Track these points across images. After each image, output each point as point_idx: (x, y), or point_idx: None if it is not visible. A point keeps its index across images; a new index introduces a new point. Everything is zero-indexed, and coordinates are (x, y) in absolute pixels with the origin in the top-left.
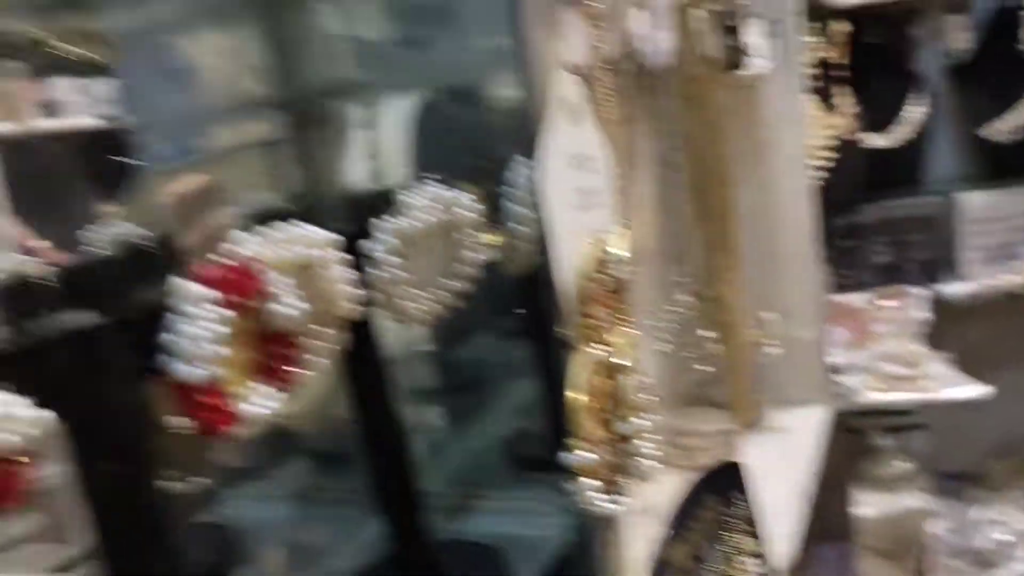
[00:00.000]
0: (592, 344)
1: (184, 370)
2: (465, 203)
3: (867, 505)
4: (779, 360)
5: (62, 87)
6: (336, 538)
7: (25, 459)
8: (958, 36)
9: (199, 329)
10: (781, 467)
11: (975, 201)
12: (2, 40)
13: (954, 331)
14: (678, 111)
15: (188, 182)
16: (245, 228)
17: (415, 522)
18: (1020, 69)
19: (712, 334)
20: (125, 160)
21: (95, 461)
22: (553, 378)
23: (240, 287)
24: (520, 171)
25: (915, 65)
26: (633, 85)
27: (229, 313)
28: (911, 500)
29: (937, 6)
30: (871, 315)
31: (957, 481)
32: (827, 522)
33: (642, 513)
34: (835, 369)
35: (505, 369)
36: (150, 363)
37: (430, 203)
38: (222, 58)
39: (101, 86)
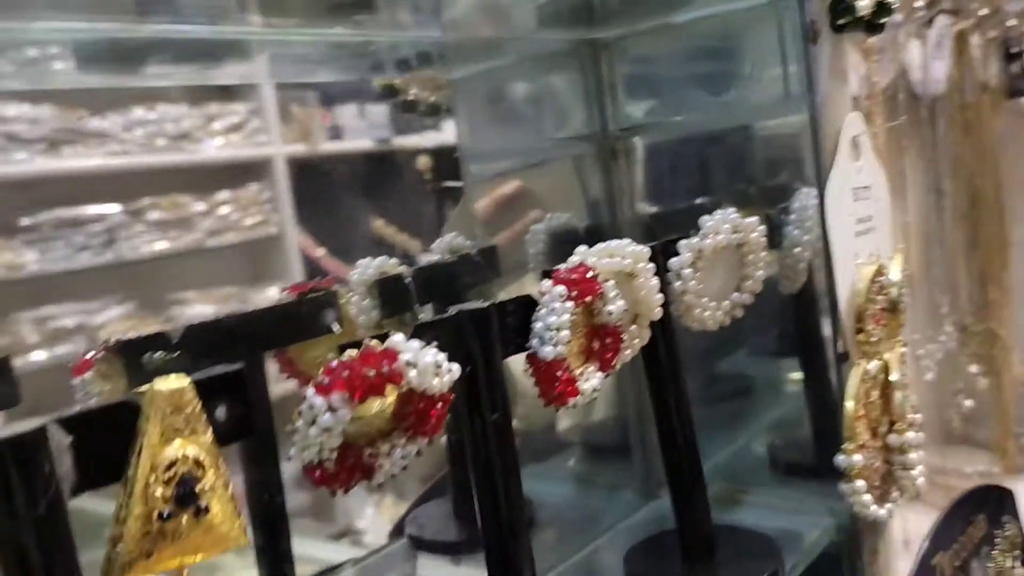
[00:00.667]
0: (867, 359)
1: (545, 349)
2: (754, 226)
3: None
4: None
5: (346, 112)
6: (611, 516)
7: (444, 399)
8: None
9: (555, 318)
10: None
11: None
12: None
13: None
14: (951, 140)
15: (502, 188)
16: (549, 239)
17: (696, 504)
18: None
19: (978, 368)
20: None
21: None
22: (821, 390)
23: (584, 287)
24: (802, 199)
25: None
26: (907, 115)
27: (574, 307)
28: None
29: None
30: None
31: None
32: None
33: (905, 524)
34: None
35: (775, 382)
36: (521, 342)
37: (723, 225)
38: (545, 98)
39: (378, 111)
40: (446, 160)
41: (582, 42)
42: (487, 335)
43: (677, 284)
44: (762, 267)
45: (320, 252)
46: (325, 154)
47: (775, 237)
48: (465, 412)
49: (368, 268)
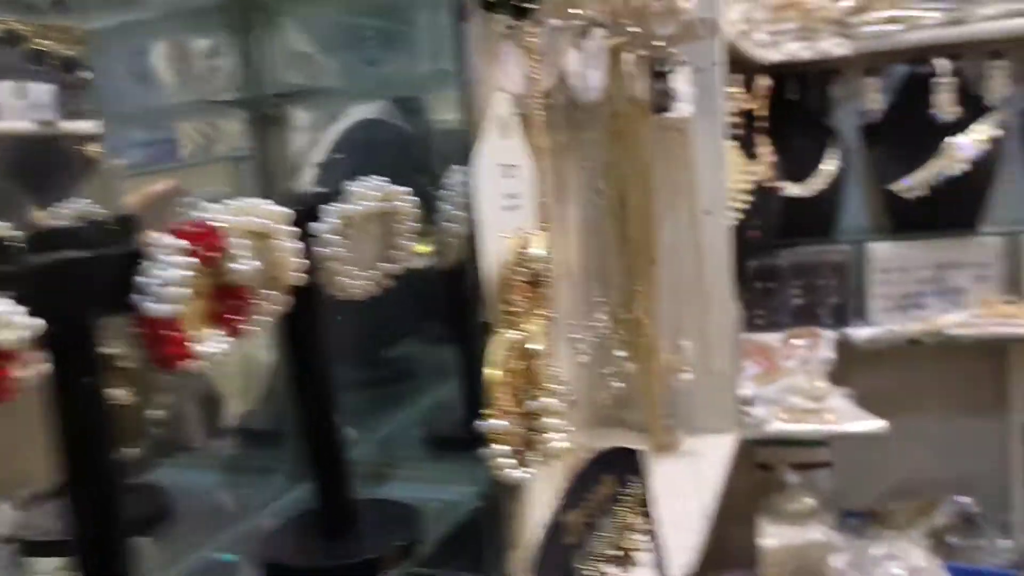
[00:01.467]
0: (510, 328)
1: (152, 307)
2: (403, 195)
3: (772, 536)
4: (693, 388)
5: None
6: (259, 501)
7: (17, 358)
8: (873, 97)
9: (168, 272)
10: (690, 489)
11: (883, 251)
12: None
13: (859, 373)
14: (605, 144)
15: (155, 185)
16: None
17: (338, 484)
18: (928, 131)
19: (626, 354)
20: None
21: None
22: (472, 363)
23: (205, 242)
24: (455, 177)
25: (831, 122)
26: (564, 117)
27: (194, 262)
28: (814, 534)
29: (854, 68)
30: (782, 352)
31: (859, 518)
32: (733, 550)
33: (546, 487)
34: (745, 400)
35: (443, 364)
36: (126, 299)
37: (372, 192)
38: (191, 62)
39: (43, 89)
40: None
41: (234, 1)
42: (80, 288)
43: (322, 250)
44: (412, 237)
45: None
46: None
47: (431, 212)
48: (55, 376)
49: None
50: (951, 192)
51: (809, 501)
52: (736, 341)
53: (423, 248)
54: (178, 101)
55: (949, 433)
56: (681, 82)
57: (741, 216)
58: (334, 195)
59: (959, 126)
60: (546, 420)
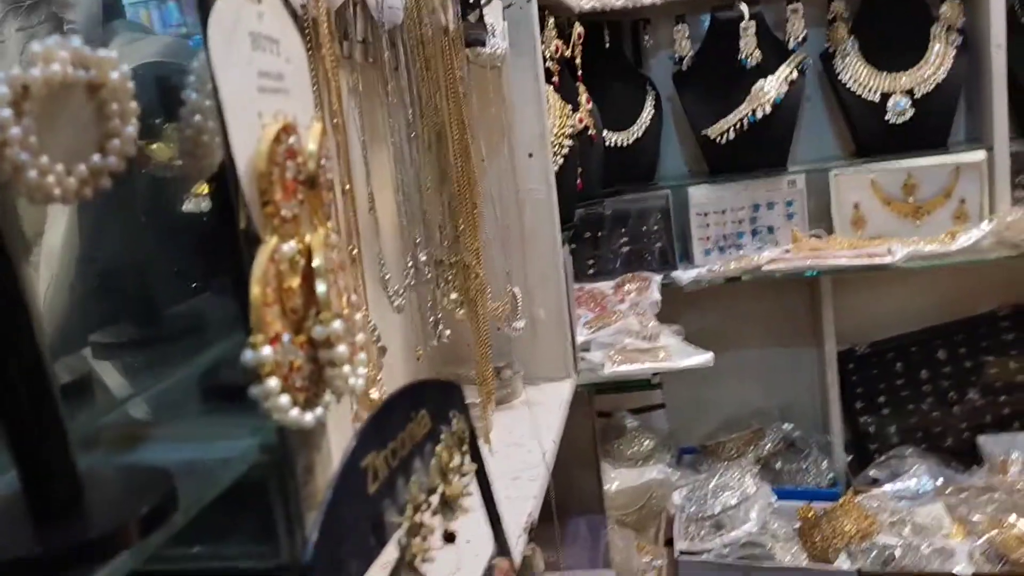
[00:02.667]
0: (280, 238)
1: None
2: (112, 64)
3: (615, 480)
4: (528, 335)
5: None
6: None
7: None
8: (682, 44)
9: None
10: (530, 439)
11: (700, 195)
12: None
13: (684, 313)
14: (417, 77)
15: None
16: None
17: (50, 456)
18: (737, 75)
19: (456, 298)
20: None
21: None
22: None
23: None
24: (196, 51)
25: (645, 70)
26: (365, 38)
27: None
28: (654, 473)
29: (664, 16)
30: (614, 298)
31: (693, 454)
32: (580, 498)
33: (346, 430)
34: (581, 347)
35: (214, 292)
36: None
37: (60, 52)
38: None
39: None
40: None
41: None
42: None
43: None
44: (132, 121)
45: None
46: None
47: (173, 101)
48: None
49: None
50: (760, 134)
51: (647, 442)
52: (568, 287)
53: (162, 147)
54: None
55: (770, 365)
56: (494, 17)
57: (563, 163)
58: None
59: (763, 70)
60: (336, 349)
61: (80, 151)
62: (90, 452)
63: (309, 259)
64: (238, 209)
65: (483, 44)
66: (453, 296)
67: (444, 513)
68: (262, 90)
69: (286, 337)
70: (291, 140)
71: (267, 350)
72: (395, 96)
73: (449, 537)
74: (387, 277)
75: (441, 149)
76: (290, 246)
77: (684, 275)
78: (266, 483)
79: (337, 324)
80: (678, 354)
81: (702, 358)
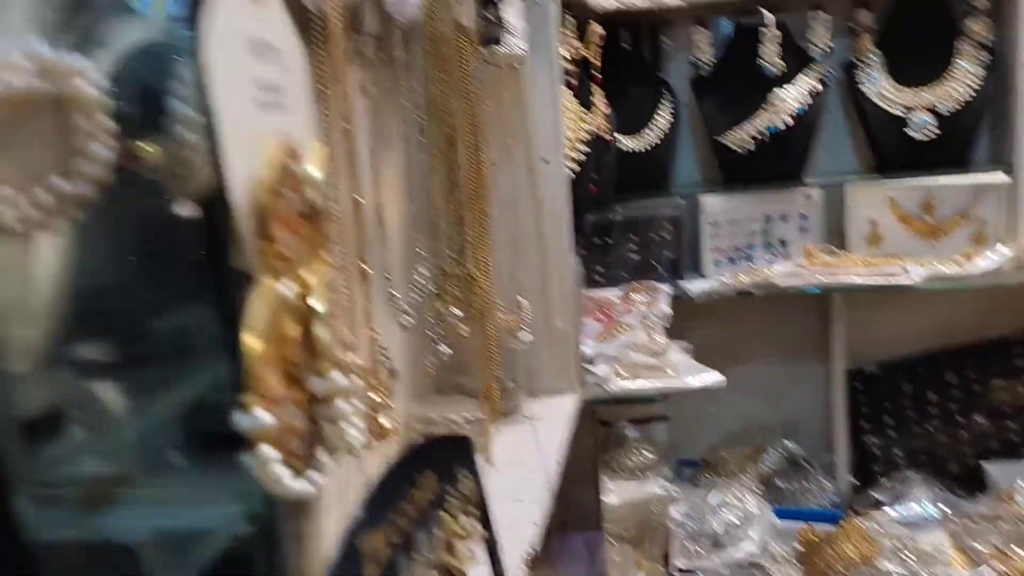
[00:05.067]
0: (279, 279)
1: None
2: (79, 71)
3: (614, 493)
4: (533, 347)
5: None
6: None
7: None
8: (703, 49)
9: None
10: (533, 456)
11: (713, 205)
12: None
13: (693, 326)
14: (430, 78)
15: None
16: None
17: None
18: (757, 83)
19: (460, 313)
20: None
21: None
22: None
23: None
24: (184, 60)
25: (664, 74)
26: (378, 36)
27: None
28: (654, 487)
29: (685, 19)
30: (621, 308)
31: (693, 467)
32: (578, 511)
33: (343, 496)
34: (587, 359)
35: (199, 332)
36: None
37: (21, 60)
38: None
39: None
40: None
41: None
42: None
43: None
44: (102, 137)
45: None
46: None
47: (153, 115)
48: None
49: None
50: (778, 144)
51: (648, 454)
52: (577, 298)
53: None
54: None
55: (776, 381)
56: (513, 15)
57: (578, 168)
58: None
59: (785, 79)
60: (335, 405)
61: (39, 171)
62: (50, 513)
63: (308, 300)
64: (228, 243)
65: (498, 42)
66: (455, 310)
67: None
68: (261, 105)
69: (284, 395)
70: (294, 167)
71: (264, 415)
72: (407, 96)
73: None
74: (395, 293)
75: (452, 154)
76: (289, 287)
77: (694, 286)
78: (249, 559)
79: (337, 377)
80: (687, 373)
81: (712, 379)
